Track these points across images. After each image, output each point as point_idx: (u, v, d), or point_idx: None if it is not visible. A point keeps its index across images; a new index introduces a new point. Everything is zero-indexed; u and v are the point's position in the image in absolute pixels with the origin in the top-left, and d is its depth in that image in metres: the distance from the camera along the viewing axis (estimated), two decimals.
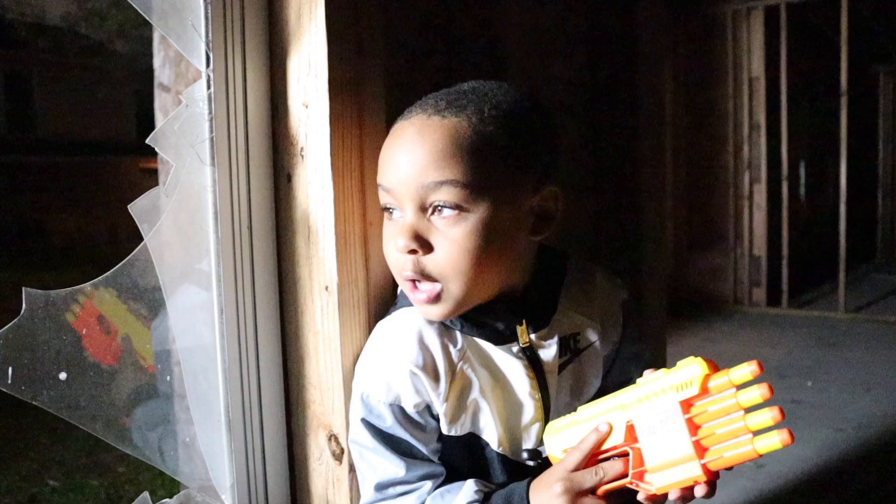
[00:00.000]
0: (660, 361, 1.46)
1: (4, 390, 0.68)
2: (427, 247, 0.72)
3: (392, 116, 0.83)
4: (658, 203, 1.57)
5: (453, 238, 0.71)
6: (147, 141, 0.83)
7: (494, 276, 0.75)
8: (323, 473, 0.90)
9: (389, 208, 0.75)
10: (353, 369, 0.85)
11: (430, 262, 0.72)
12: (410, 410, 0.76)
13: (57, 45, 15.69)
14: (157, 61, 1.60)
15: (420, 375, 0.75)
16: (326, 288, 0.85)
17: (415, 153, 0.72)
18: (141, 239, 0.80)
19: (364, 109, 0.88)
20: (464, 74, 1.13)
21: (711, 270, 4.82)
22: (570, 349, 0.83)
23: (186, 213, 0.85)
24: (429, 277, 0.73)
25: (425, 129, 0.72)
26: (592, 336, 0.86)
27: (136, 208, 0.82)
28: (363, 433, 0.77)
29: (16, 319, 0.68)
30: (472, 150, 0.71)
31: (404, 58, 1.02)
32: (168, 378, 0.84)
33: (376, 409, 0.77)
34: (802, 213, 5.55)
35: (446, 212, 0.71)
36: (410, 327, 0.77)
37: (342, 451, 0.87)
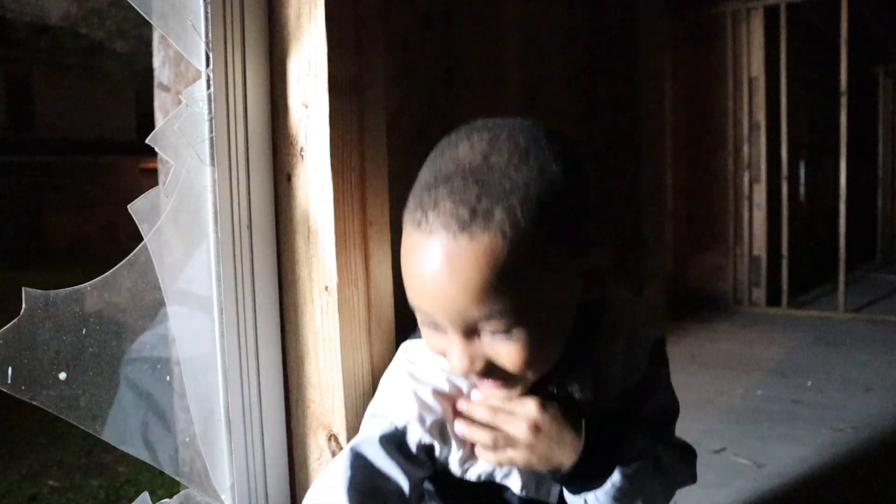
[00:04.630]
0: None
1: (4, 390, 0.68)
2: (487, 361, 0.66)
3: (391, 116, 0.83)
4: (658, 203, 1.57)
5: (512, 350, 0.65)
6: (147, 141, 0.83)
7: (559, 350, 0.70)
8: (317, 471, 0.91)
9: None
10: (353, 369, 0.85)
11: (495, 368, 0.66)
12: (412, 442, 0.72)
13: (57, 44, 15.68)
14: (156, 61, 1.60)
15: (436, 410, 0.72)
16: (326, 288, 0.85)
17: (448, 288, 0.62)
18: (141, 239, 0.80)
19: (364, 109, 0.89)
20: (463, 74, 1.13)
21: (711, 270, 4.82)
22: (597, 388, 0.79)
23: (186, 213, 0.85)
24: (497, 375, 0.68)
25: (454, 258, 0.61)
26: (615, 376, 0.81)
27: (136, 208, 0.82)
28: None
29: (15, 319, 0.68)
30: (513, 275, 0.62)
31: (403, 57, 1.02)
32: (168, 378, 0.84)
33: (375, 430, 0.73)
34: (802, 212, 5.55)
35: (498, 335, 0.65)
36: (437, 361, 0.73)
37: (335, 450, 0.87)
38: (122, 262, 0.79)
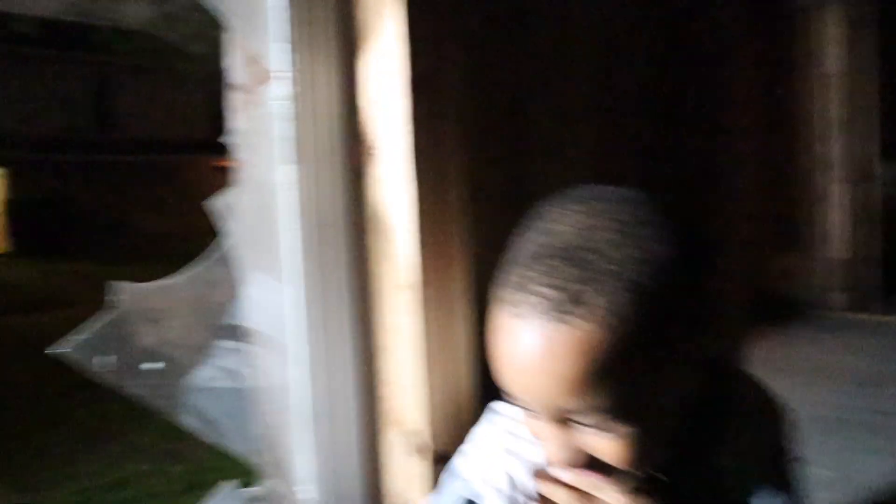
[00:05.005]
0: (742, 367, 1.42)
1: (96, 379, 0.71)
2: (586, 454, 0.61)
3: (467, 113, 0.83)
4: (739, 204, 1.53)
5: (612, 446, 0.60)
6: (222, 140, 0.85)
7: (667, 447, 0.65)
8: (398, 469, 0.91)
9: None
10: (427, 368, 0.85)
11: (595, 461, 0.61)
12: None
13: (137, 48, 16.32)
14: (230, 62, 1.64)
15: (524, 490, 0.68)
16: (402, 285, 0.86)
17: (541, 378, 0.57)
18: (218, 234, 0.83)
19: (439, 106, 0.89)
20: (533, 71, 1.12)
21: (789, 273, 4.66)
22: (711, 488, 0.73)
23: (261, 211, 0.87)
24: (597, 468, 0.63)
25: (548, 347, 0.56)
26: (733, 475, 0.73)
27: (214, 205, 0.84)
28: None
29: (108, 312, 0.71)
30: (614, 368, 0.56)
31: (475, 55, 1.02)
32: (250, 370, 0.87)
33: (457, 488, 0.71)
34: (883, 213, 5.32)
35: (596, 429, 0.59)
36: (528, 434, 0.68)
37: (415, 447, 0.88)
38: (203, 256, 0.81)
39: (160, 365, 0.74)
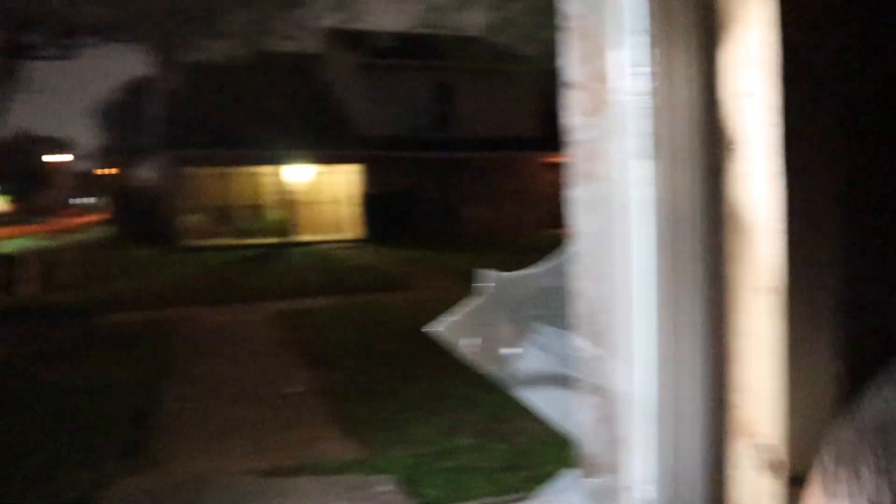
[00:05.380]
0: None
1: (463, 361, 0.78)
2: None
3: (841, 101, 0.75)
4: None
5: None
6: (553, 137, 0.87)
7: None
8: (745, 484, 0.86)
9: None
10: (789, 378, 0.79)
11: None
12: None
13: (474, 52, 17.56)
14: (565, 60, 1.67)
15: None
16: (764, 288, 0.80)
17: None
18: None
19: (812, 95, 0.81)
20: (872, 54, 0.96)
21: None
22: None
23: (610, 207, 0.87)
24: None
25: None
26: None
27: (567, 200, 0.86)
28: None
29: (476, 297, 0.78)
30: None
31: (855, 37, 0.91)
32: (587, 362, 0.88)
33: None
34: None
35: None
36: None
37: (768, 463, 0.82)
38: (558, 250, 0.84)
39: (519, 350, 0.78)
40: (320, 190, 28.13)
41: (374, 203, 25.62)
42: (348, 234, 26.74)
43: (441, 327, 0.77)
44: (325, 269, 18.11)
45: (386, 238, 24.15)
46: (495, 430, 5.21)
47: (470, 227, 25.52)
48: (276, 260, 21.09)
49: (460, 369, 5.47)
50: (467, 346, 0.78)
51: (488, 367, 0.78)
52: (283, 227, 26.23)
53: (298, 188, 27.03)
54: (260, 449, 5.16)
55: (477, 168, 26.66)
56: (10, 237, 26.77)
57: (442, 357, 5.71)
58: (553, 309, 0.82)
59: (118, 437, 5.45)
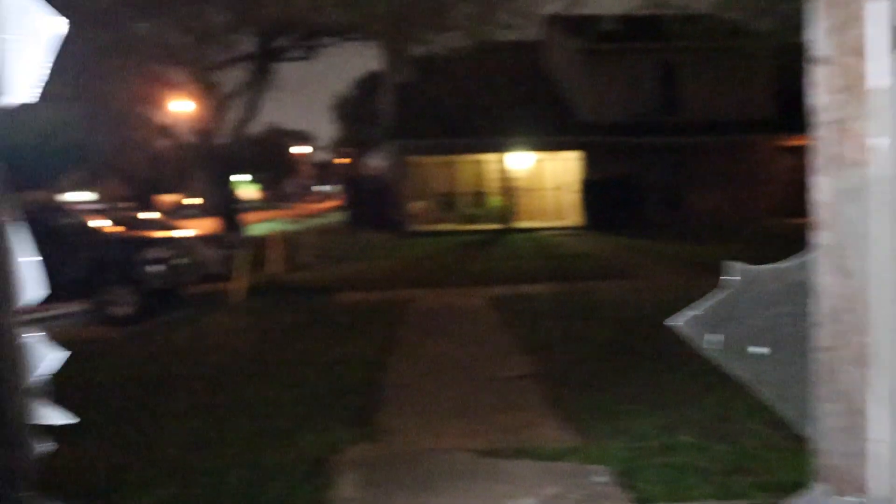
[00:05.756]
0: None
1: (693, 355, 0.74)
2: None
3: None
4: None
5: None
6: (807, 119, 0.80)
7: None
8: None
9: None
10: None
11: None
12: None
13: (701, 31, 16.56)
14: (812, 32, 1.51)
15: None
16: None
17: None
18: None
19: None
20: None
21: None
22: None
23: (866, 196, 0.79)
24: None
25: None
26: None
27: (809, 188, 0.80)
28: None
29: (723, 290, 0.74)
30: None
31: None
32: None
33: None
34: None
35: None
36: None
37: None
38: (815, 243, 0.78)
39: (766, 350, 0.74)
40: (541, 177, 28.28)
41: (595, 190, 25.25)
42: (568, 222, 26.63)
43: (680, 320, 0.74)
44: (545, 255, 18.22)
45: (606, 226, 23.73)
46: (721, 430, 4.94)
47: (695, 216, 24.28)
48: (496, 246, 21.60)
49: (686, 363, 5.28)
50: (710, 342, 0.74)
51: (729, 365, 0.74)
52: (503, 214, 26.76)
53: (519, 175, 27.41)
54: (478, 429, 5.33)
55: (704, 153, 25.24)
56: (260, 221, 30.02)
57: (667, 349, 5.57)
58: (807, 306, 0.76)
59: (348, 406, 5.93)
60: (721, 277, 0.70)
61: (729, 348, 0.66)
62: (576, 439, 4.96)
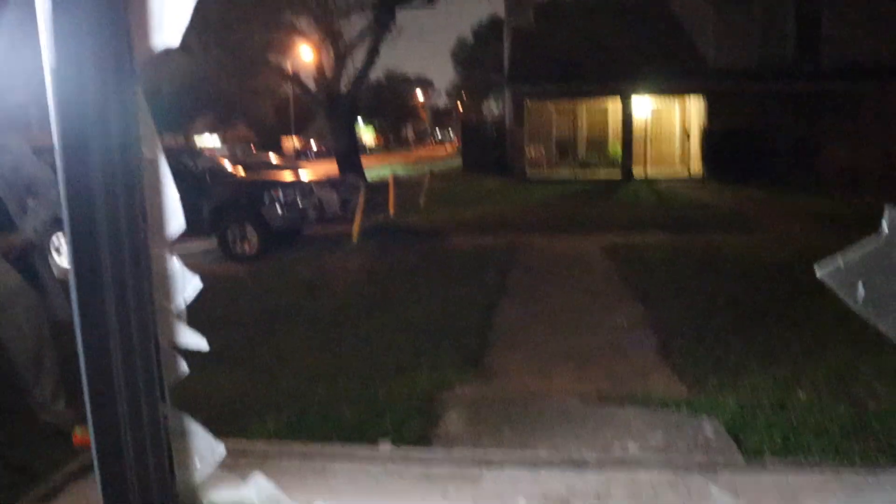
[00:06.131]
0: None
1: (851, 307, 0.74)
2: None
3: None
4: None
5: None
6: None
7: None
8: None
9: None
10: None
11: None
12: None
13: None
14: None
15: None
16: None
17: None
18: None
19: None
20: None
21: None
22: None
23: None
24: None
25: None
26: None
27: None
28: None
29: (873, 240, 0.73)
30: None
31: None
32: None
33: None
34: None
35: None
36: None
37: None
38: None
39: None
40: (661, 125, 27.28)
41: (718, 139, 24.09)
42: (688, 171, 25.66)
43: (827, 269, 0.75)
44: (662, 204, 17.71)
45: (728, 176, 22.67)
46: (845, 390, 4.75)
47: (829, 168, 22.73)
48: (613, 193, 21.16)
49: (811, 318, 5.09)
50: (859, 293, 0.75)
51: (876, 319, 0.74)
52: (622, 162, 26.09)
53: (639, 122, 26.53)
54: (588, 375, 5.37)
55: (841, 101, 23.41)
56: (379, 165, 30.65)
57: (791, 303, 5.37)
58: None
59: (456, 347, 6.08)
60: (882, 225, 0.69)
61: (877, 300, 0.65)
62: (686, 391, 4.91)
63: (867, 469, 3.52)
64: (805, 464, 3.75)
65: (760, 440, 4.02)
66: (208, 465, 0.81)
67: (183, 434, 0.81)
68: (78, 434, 4.16)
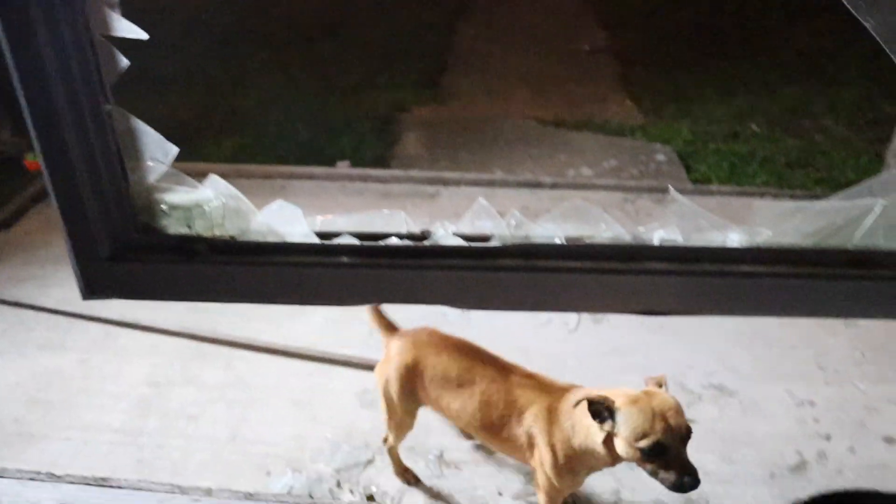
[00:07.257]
0: None
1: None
2: None
3: None
4: None
5: None
6: None
7: None
8: None
9: None
10: None
11: None
12: None
13: None
14: None
15: None
16: None
17: None
18: None
19: None
20: None
21: None
22: None
23: None
24: None
25: None
26: None
27: None
28: None
29: None
30: None
31: None
32: None
33: None
34: None
35: None
36: None
37: None
38: None
39: None
40: None
41: None
42: None
43: None
44: None
45: None
46: (794, 124, 4.84)
47: None
48: None
49: (773, 51, 4.98)
50: None
51: (867, 14, 0.67)
52: None
53: None
54: (545, 100, 5.32)
55: None
56: None
57: (758, 35, 5.21)
58: None
59: (416, 68, 5.90)
60: None
61: None
62: (642, 118, 4.94)
63: (807, 195, 3.72)
64: (748, 191, 3.94)
65: (709, 167, 4.15)
66: (161, 165, 0.77)
67: (131, 133, 0.75)
68: (29, 160, 4.07)
